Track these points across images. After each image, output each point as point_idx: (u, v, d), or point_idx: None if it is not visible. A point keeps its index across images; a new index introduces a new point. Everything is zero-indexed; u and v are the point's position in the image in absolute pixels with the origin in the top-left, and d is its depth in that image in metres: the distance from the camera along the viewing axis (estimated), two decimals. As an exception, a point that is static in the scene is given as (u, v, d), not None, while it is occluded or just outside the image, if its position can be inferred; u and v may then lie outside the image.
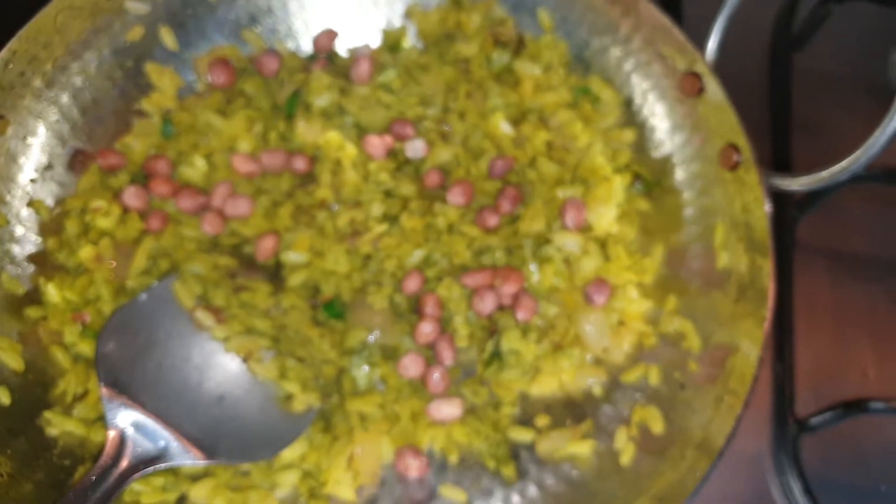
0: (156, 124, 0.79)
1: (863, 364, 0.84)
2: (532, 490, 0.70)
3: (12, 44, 0.69)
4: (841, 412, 0.78)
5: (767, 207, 0.65)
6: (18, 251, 0.73)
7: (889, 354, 0.85)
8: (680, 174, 0.76)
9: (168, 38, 0.79)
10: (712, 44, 0.77)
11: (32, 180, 0.74)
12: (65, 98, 0.75)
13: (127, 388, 0.66)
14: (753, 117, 0.95)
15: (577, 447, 0.70)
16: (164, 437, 0.64)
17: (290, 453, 0.68)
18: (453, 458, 0.71)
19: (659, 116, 0.78)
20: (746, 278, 0.67)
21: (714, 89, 0.70)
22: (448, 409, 0.70)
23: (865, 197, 0.91)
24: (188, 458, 0.64)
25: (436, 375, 0.71)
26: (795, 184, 0.69)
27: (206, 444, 0.65)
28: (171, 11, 0.78)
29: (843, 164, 0.65)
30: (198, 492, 0.66)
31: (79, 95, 0.76)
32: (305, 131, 0.78)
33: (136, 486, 0.65)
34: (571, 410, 0.73)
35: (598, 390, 0.74)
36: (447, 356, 0.72)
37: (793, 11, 0.99)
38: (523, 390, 0.74)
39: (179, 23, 0.79)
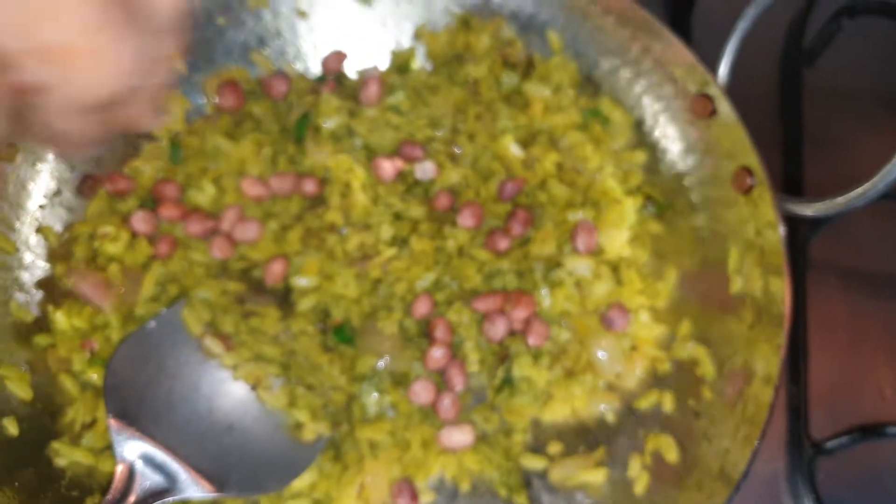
0: (164, 148, 0.79)
1: (879, 384, 0.84)
2: (545, 519, 0.69)
3: (20, 70, 0.69)
4: (857, 436, 0.77)
5: (782, 231, 0.64)
6: (27, 278, 0.73)
7: (906, 373, 0.84)
8: (692, 197, 0.76)
9: (176, 60, 0.79)
10: (724, 65, 0.76)
11: (41, 206, 0.74)
12: (73, 123, 0.75)
13: (135, 419, 0.65)
14: (765, 135, 0.94)
15: (591, 475, 0.69)
16: (174, 470, 0.63)
17: (299, 482, 0.68)
18: (465, 486, 0.71)
19: (670, 138, 0.77)
20: (761, 303, 0.66)
21: (726, 111, 0.69)
22: (459, 437, 0.70)
23: (879, 215, 0.90)
24: (198, 491, 0.63)
25: (446, 402, 0.70)
26: (810, 209, 0.69)
27: (215, 475, 0.64)
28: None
29: (860, 190, 0.64)
30: (207, 521, 0.66)
31: (87, 120, 0.76)
32: (315, 154, 0.77)
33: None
34: (584, 438, 0.73)
35: (611, 417, 0.73)
36: (458, 382, 0.71)
37: (804, 27, 0.98)
38: (535, 417, 0.73)
39: (187, 45, 0.79)
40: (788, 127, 0.94)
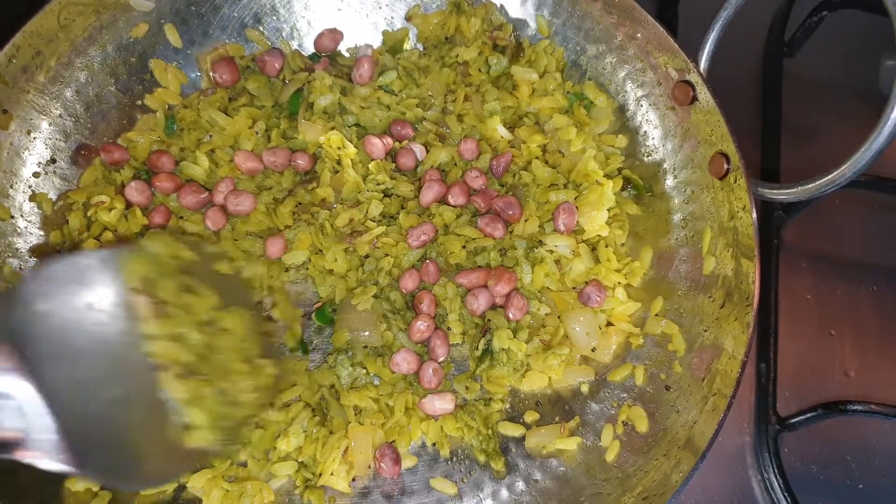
0: (159, 120, 0.80)
1: (844, 364, 0.86)
2: (520, 485, 0.72)
3: (16, 39, 0.70)
4: (822, 412, 0.80)
5: (754, 216, 0.67)
6: (21, 244, 0.74)
7: (871, 355, 0.87)
8: (670, 180, 0.78)
9: (172, 35, 0.80)
10: (705, 54, 0.78)
11: (35, 174, 0.75)
12: (68, 93, 0.76)
13: (27, 349, 0.55)
14: (745, 122, 0.97)
15: (565, 443, 0.72)
16: (39, 424, 0.53)
17: (286, 445, 0.70)
18: (445, 452, 0.73)
19: (652, 123, 0.79)
20: (732, 284, 0.69)
21: (706, 98, 0.71)
22: (441, 404, 0.72)
23: (851, 201, 0.93)
24: (52, 461, 0.53)
25: (429, 371, 0.73)
26: (782, 194, 0.71)
27: (79, 448, 0.54)
28: (176, 9, 0.79)
29: (830, 176, 0.66)
30: (195, 482, 0.68)
31: (82, 91, 0.77)
32: (307, 130, 0.79)
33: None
34: (560, 407, 0.75)
35: (585, 388, 0.76)
36: (441, 352, 0.74)
37: (786, 19, 1.00)
38: (514, 387, 0.76)
39: (184, 20, 0.80)
40: (768, 115, 0.97)
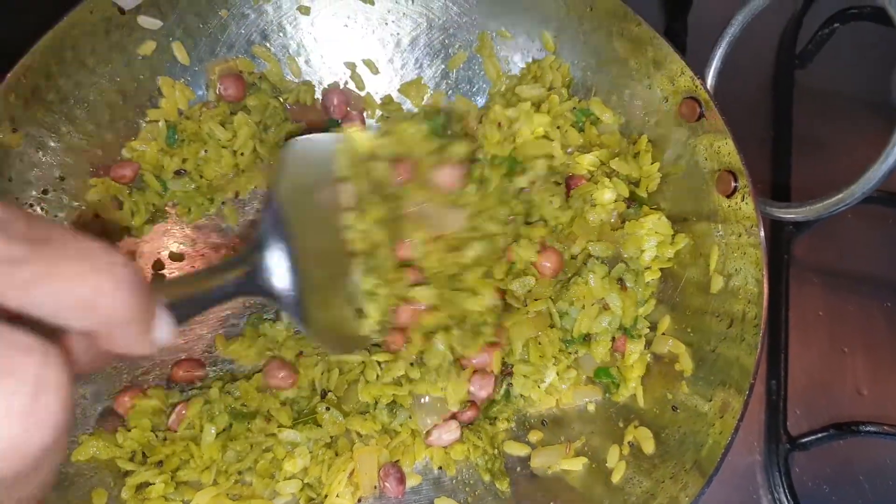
0: (161, 130, 0.81)
1: (857, 383, 0.86)
2: (525, 505, 0.72)
3: (26, 59, 0.70)
4: (833, 433, 0.79)
5: (762, 235, 0.66)
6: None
7: (883, 373, 0.86)
8: (677, 198, 0.77)
9: (180, 52, 0.80)
10: (712, 70, 0.77)
11: (44, 192, 0.76)
12: (78, 112, 0.77)
13: (287, 218, 0.61)
14: (755, 135, 0.96)
15: (570, 463, 0.72)
16: (290, 285, 0.59)
17: (292, 466, 0.70)
18: (450, 472, 0.73)
19: (658, 140, 0.78)
20: (740, 304, 0.68)
21: (713, 115, 0.70)
22: (447, 436, 0.72)
23: (864, 216, 0.92)
24: (294, 314, 0.60)
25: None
26: (790, 213, 0.70)
27: (304, 312, 0.61)
28: (184, 27, 0.79)
29: (840, 195, 0.65)
30: (200, 500, 0.68)
31: (91, 109, 0.77)
32: None
33: (139, 494, 0.68)
34: (565, 427, 0.75)
35: (592, 408, 0.75)
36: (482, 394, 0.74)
37: (797, 32, 0.99)
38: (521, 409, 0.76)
39: (191, 38, 0.81)
40: (778, 128, 0.96)
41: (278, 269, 0.59)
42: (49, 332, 0.27)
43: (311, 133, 0.71)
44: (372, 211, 0.67)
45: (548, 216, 0.76)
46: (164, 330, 0.34)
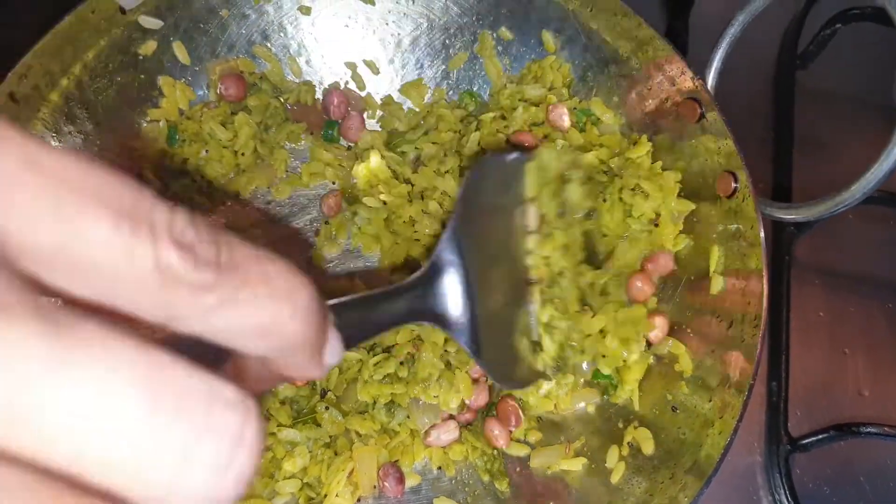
0: (162, 130, 0.81)
1: (858, 384, 0.85)
2: (524, 505, 0.71)
3: (27, 59, 0.71)
4: (834, 434, 0.79)
5: (762, 236, 0.66)
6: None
7: (885, 374, 0.86)
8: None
9: (181, 52, 0.81)
10: (713, 70, 0.77)
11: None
12: (78, 111, 0.77)
13: (464, 238, 0.59)
14: (756, 135, 0.96)
15: (569, 464, 0.72)
16: (461, 310, 0.58)
17: (291, 466, 0.70)
18: (450, 472, 0.73)
19: (658, 141, 0.78)
20: (740, 305, 0.68)
21: (713, 115, 0.70)
22: (446, 436, 0.72)
23: (865, 217, 0.92)
24: (463, 339, 0.58)
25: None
26: (791, 214, 0.70)
27: (476, 337, 0.59)
28: (185, 27, 0.80)
29: (840, 196, 0.65)
30: (199, 499, 0.68)
31: (92, 108, 0.78)
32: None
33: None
34: (565, 428, 0.75)
35: (591, 409, 0.75)
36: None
37: (799, 32, 0.99)
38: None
39: (192, 38, 0.81)
40: (779, 128, 0.96)
41: (453, 294, 0.57)
42: (223, 354, 0.27)
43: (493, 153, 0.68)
44: (557, 236, 0.64)
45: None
46: (334, 354, 0.33)
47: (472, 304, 0.58)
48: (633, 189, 0.73)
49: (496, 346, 0.61)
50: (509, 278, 0.63)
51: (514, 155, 0.63)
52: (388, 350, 0.73)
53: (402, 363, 0.71)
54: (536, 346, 0.64)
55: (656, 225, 0.74)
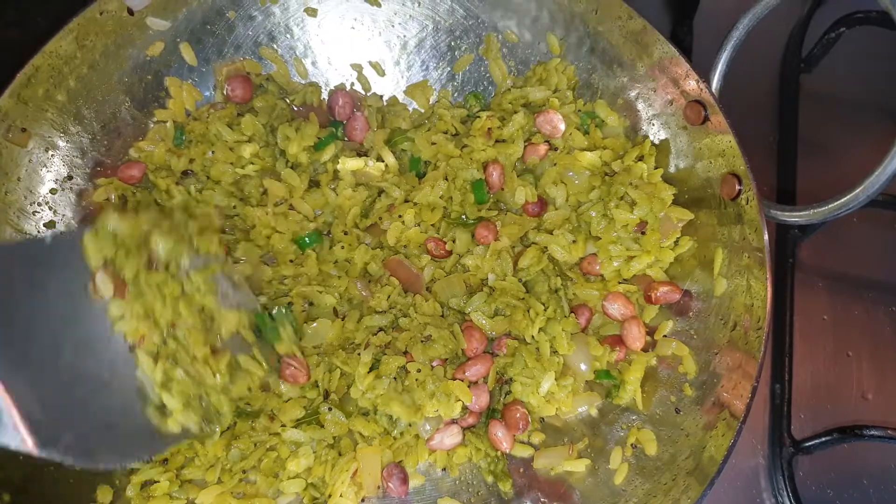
0: (169, 131, 0.81)
1: (862, 386, 0.85)
2: (528, 506, 0.72)
3: (35, 59, 0.71)
4: (837, 437, 0.79)
5: (766, 238, 0.66)
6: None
7: (888, 377, 0.86)
8: (681, 200, 0.77)
9: (188, 53, 0.81)
10: (717, 73, 0.77)
11: (52, 191, 0.76)
12: (86, 111, 0.77)
13: None
14: (761, 138, 0.96)
15: (573, 465, 0.72)
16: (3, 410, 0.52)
17: (296, 466, 0.70)
18: (453, 473, 0.73)
19: (662, 143, 0.78)
20: (744, 307, 0.68)
21: (718, 118, 0.70)
22: (449, 440, 0.72)
23: (869, 220, 0.92)
24: (15, 440, 0.53)
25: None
26: (794, 216, 0.70)
27: (45, 430, 0.54)
28: (192, 28, 0.80)
29: (844, 199, 0.65)
30: (204, 498, 0.68)
31: (99, 109, 0.78)
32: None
33: (144, 492, 0.68)
34: (568, 429, 0.75)
35: (594, 411, 0.75)
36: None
37: (804, 35, 0.99)
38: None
39: (199, 39, 0.81)
40: (784, 131, 0.96)
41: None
42: None
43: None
44: (147, 292, 0.61)
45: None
46: None
47: (22, 395, 0.53)
48: (621, 197, 0.74)
49: (80, 425, 0.57)
50: (96, 355, 0.58)
51: (45, 237, 0.61)
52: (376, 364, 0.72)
53: (395, 378, 0.71)
54: (163, 408, 0.61)
55: (643, 233, 0.74)
